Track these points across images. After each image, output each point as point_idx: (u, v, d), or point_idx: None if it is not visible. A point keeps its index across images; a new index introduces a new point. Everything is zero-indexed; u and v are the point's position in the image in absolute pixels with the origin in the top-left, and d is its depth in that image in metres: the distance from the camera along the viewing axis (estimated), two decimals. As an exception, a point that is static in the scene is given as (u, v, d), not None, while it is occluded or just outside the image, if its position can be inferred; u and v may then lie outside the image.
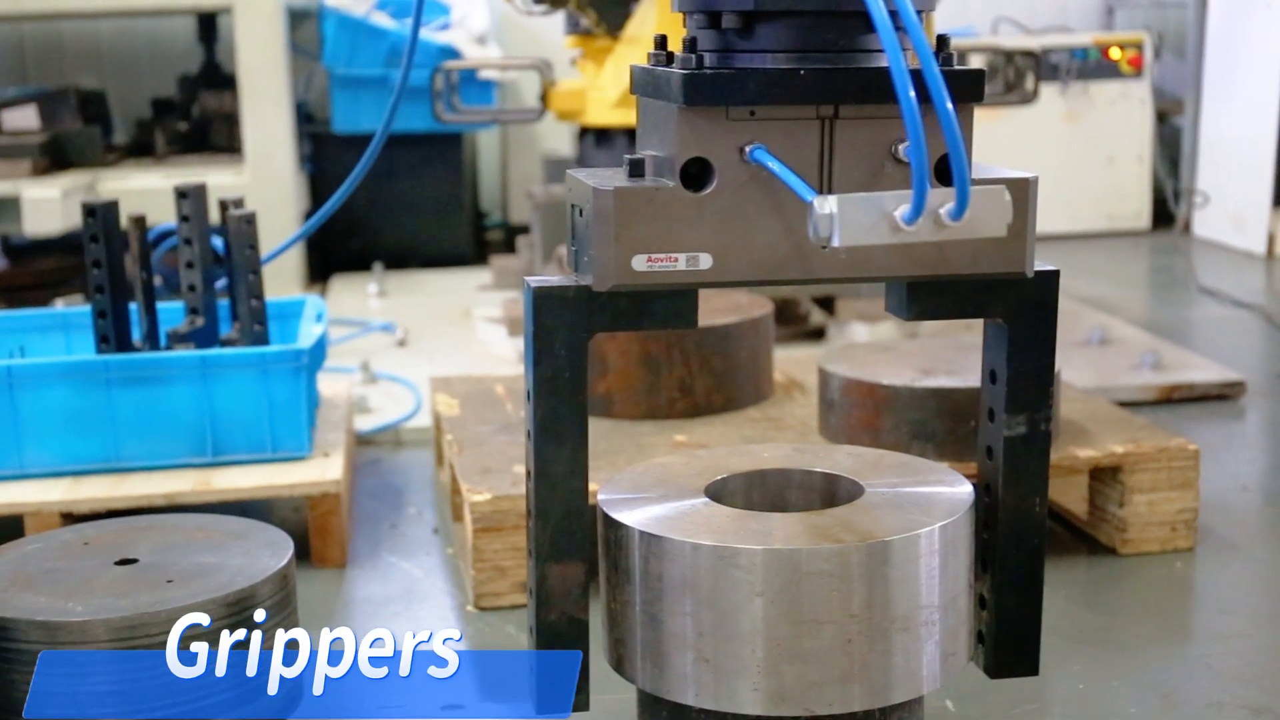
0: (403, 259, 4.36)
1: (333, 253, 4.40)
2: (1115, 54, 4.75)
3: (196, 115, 4.59)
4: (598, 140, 3.30)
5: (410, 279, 4.18)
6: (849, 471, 1.37)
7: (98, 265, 2.19)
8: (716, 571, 1.21)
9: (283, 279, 4.11)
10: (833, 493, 1.38)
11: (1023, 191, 1.22)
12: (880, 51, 1.19)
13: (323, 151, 4.34)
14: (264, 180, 4.01)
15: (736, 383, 2.26)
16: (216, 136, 4.52)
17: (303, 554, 2.06)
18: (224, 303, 2.36)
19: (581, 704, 1.30)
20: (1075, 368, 2.88)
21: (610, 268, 1.19)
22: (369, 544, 2.19)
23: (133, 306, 2.24)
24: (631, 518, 1.27)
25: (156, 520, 1.63)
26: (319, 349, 2.21)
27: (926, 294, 1.27)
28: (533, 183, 4.36)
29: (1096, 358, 3.00)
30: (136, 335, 2.27)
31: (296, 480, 2.08)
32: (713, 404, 2.24)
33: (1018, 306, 1.28)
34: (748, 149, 1.19)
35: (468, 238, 4.46)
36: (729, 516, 1.28)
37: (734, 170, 1.19)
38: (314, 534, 2.09)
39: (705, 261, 1.20)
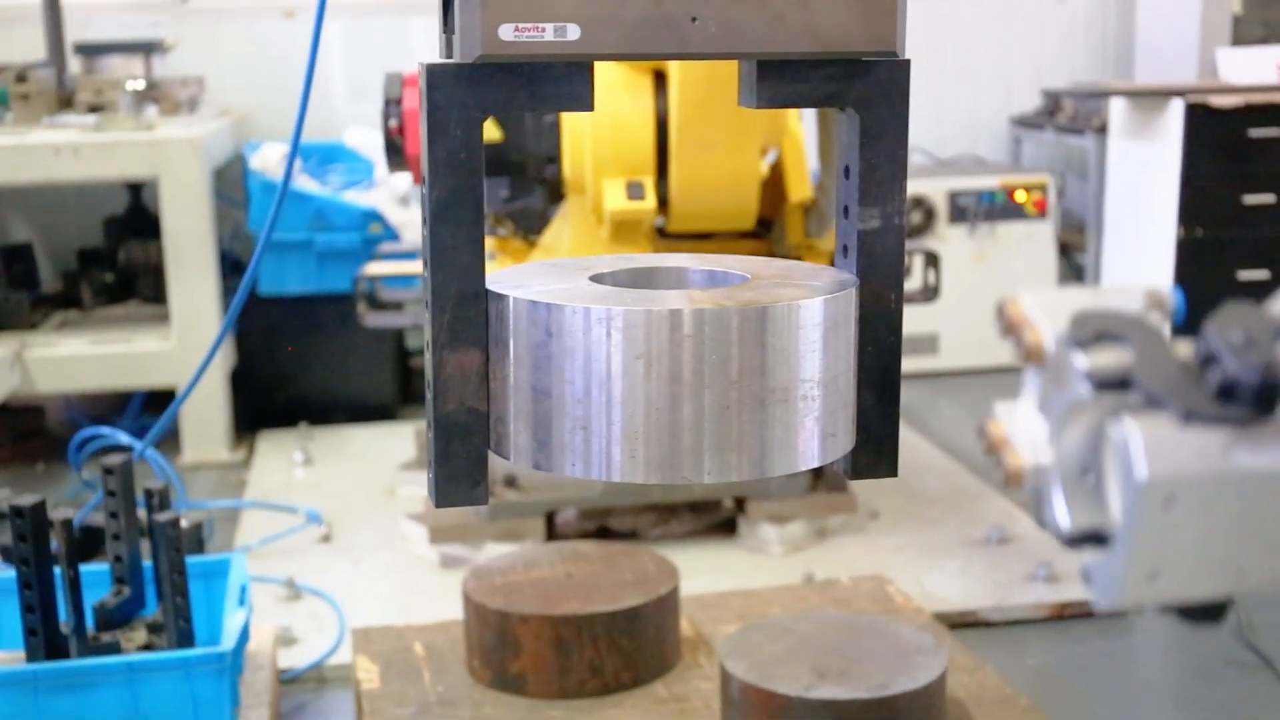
0: (328, 411, 4.44)
1: (259, 405, 4.46)
2: (1021, 197, 4.92)
3: (123, 262, 4.64)
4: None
5: (336, 440, 4.26)
6: (738, 269, 1.38)
7: (25, 563, 2.26)
8: (596, 335, 1.20)
9: (209, 437, 4.20)
10: (721, 285, 1.38)
11: None
12: None
13: (248, 309, 4.39)
14: (190, 345, 4.07)
15: (644, 659, 2.37)
16: (143, 287, 4.58)
17: None
18: (149, 564, 2.44)
19: (480, 497, 1.29)
20: (973, 577, 3.02)
21: (476, 36, 1.17)
22: (292, 824, 2.27)
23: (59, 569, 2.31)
24: (512, 290, 1.26)
25: None
26: (241, 643, 2.29)
27: (777, 79, 1.26)
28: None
29: (994, 563, 3.14)
30: (63, 616, 2.34)
31: (221, 777, 2.16)
32: (621, 682, 2.35)
33: (869, 95, 1.27)
34: None
35: (393, 390, 4.55)
36: (611, 291, 1.28)
37: None
38: (238, 827, 2.17)
39: (573, 32, 1.19)
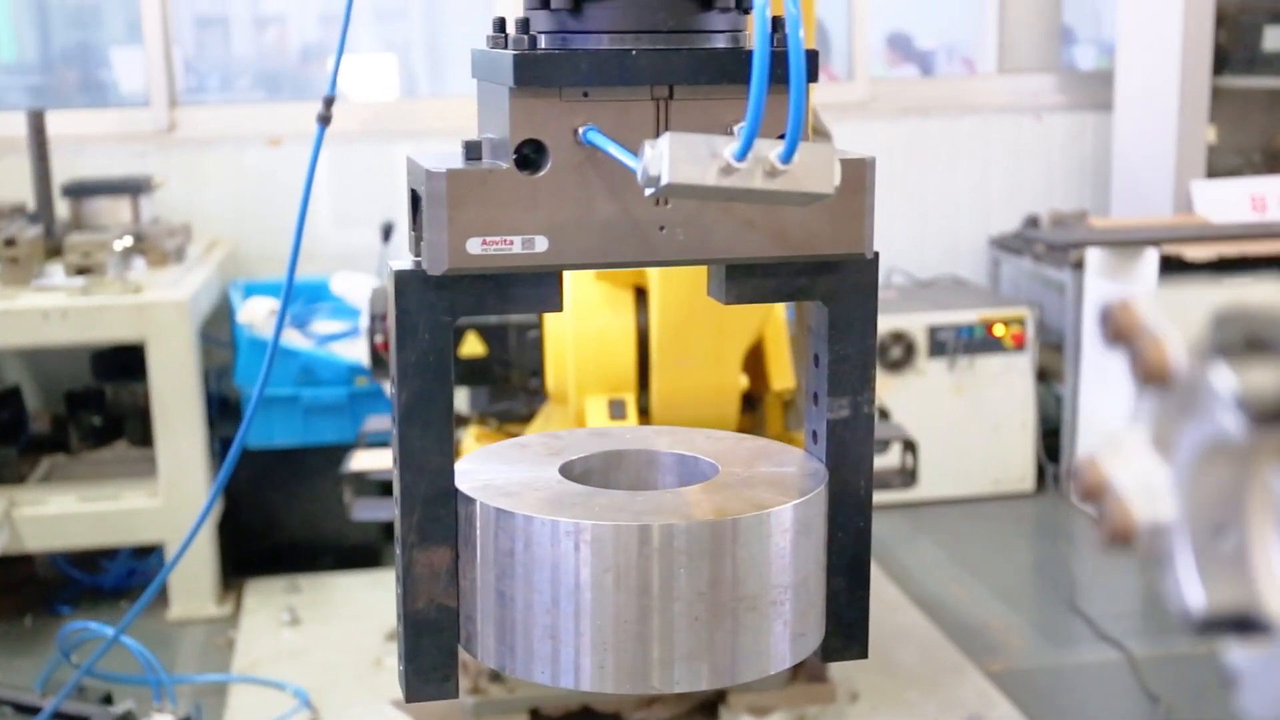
0: (315, 555, 4.49)
1: (246, 551, 4.51)
2: (999, 330, 4.98)
3: (110, 401, 4.68)
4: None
5: (323, 592, 4.30)
6: (707, 454, 1.37)
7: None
8: (564, 547, 1.19)
9: (197, 591, 4.24)
10: (690, 475, 1.37)
11: (860, 172, 1.23)
12: (714, 33, 1.22)
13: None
14: (177, 501, 4.12)
15: None
16: (130, 429, 4.62)
17: None
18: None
19: (450, 691, 1.27)
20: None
21: (443, 251, 1.17)
22: None
23: None
24: (480, 493, 1.25)
25: None
26: None
27: (745, 276, 1.26)
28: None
29: (969, 762, 3.21)
30: None
31: None
32: None
33: (838, 289, 1.27)
34: (581, 130, 1.18)
35: (378, 531, 4.60)
36: (579, 493, 1.27)
37: (569, 152, 1.19)
38: None
39: (541, 244, 1.19)
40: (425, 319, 1.21)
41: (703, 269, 2.82)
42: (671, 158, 1.04)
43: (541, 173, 1.18)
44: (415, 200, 1.22)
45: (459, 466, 1.28)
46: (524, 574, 1.21)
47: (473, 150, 1.20)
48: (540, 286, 1.23)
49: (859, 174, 1.23)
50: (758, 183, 1.05)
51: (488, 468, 1.32)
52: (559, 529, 1.19)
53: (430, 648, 1.27)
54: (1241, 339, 0.63)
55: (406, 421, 1.23)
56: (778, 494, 1.25)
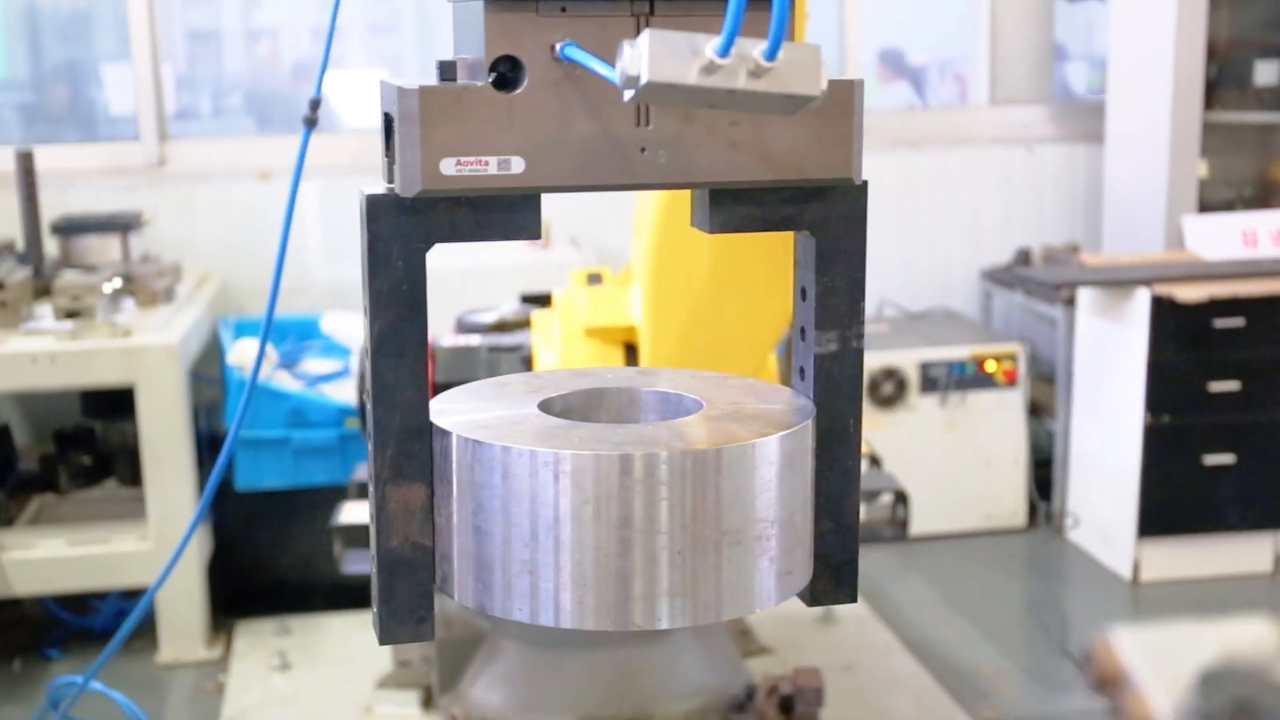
0: (307, 594, 4.47)
1: (237, 589, 4.49)
2: (991, 367, 4.98)
3: (100, 437, 4.66)
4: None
5: (314, 634, 4.28)
6: (691, 390, 1.33)
7: None
8: (542, 479, 1.15)
9: (186, 633, 4.23)
10: (674, 412, 1.34)
11: (847, 93, 1.20)
12: None
13: (225, 502, 4.43)
14: (167, 545, 4.09)
15: None
16: (120, 468, 4.60)
17: None
18: None
19: (425, 634, 1.24)
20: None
21: (416, 171, 1.14)
22: None
23: None
24: (455, 425, 1.22)
25: None
26: None
27: (731, 204, 1.21)
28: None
29: (961, 817, 3.20)
30: None
31: None
32: None
33: (826, 218, 1.23)
34: (558, 46, 1.14)
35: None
36: (557, 425, 1.24)
37: (546, 69, 1.15)
38: None
39: (518, 165, 1.15)
40: (398, 245, 1.18)
41: (693, 327, 2.82)
42: (651, 55, 1.00)
43: (518, 91, 1.15)
44: (388, 124, 1.18)
45: (434, 405, 1.25)
46: (501, 507, 1.18)
47: (447, 70, 1.17)
48: (518, 211, 1.20)
49: (846, 95, 1.19)
50: (741, 82, 1.02)
51: (464, 405, 1.29)
52: (537, 459, 1.16)
53: (405, 588, 1.23)
54: (1230, 704, 0.55)
55: (379, 353, 1.20)
56: (763, 426, 1.22)
